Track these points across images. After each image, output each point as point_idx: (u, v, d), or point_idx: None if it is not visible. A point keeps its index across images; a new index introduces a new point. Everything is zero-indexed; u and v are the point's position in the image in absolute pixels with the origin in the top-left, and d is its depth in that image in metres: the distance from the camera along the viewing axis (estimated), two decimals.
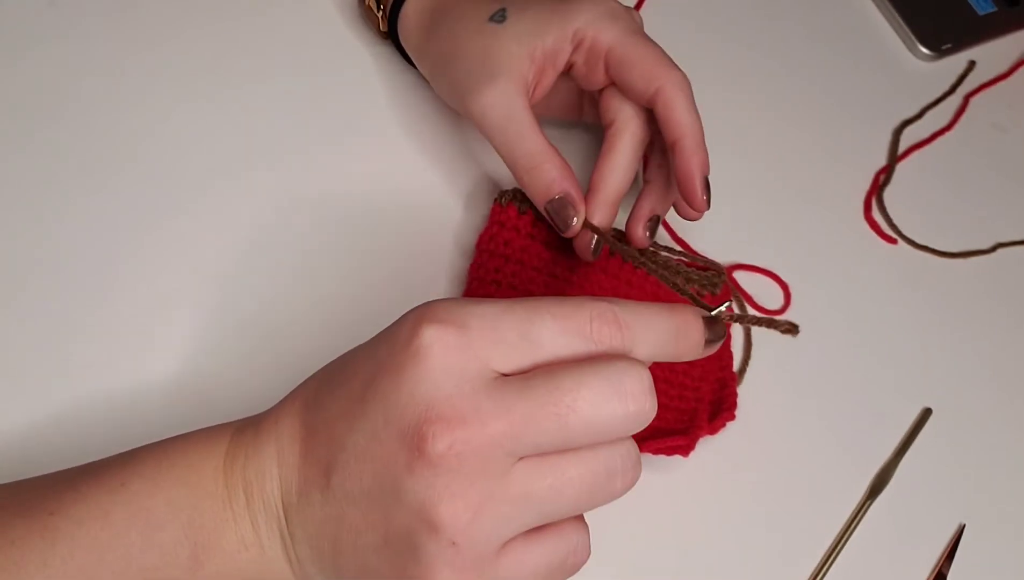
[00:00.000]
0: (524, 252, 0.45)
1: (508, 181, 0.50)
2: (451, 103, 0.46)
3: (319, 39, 0.52)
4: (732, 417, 0.45)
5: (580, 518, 0.32)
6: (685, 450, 0.42)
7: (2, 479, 0.34)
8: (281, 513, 0.32)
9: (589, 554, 0.32)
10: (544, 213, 0.43)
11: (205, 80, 0.49)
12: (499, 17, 0.43)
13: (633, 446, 0.30)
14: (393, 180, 0.49)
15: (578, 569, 0.31)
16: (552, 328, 0.29)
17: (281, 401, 0.33)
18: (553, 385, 0.28)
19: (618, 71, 0.43)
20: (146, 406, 0.41)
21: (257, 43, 0.51)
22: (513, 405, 0.28)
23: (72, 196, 0.45)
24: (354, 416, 0.29)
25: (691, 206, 0.43)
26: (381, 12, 0.49)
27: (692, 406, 0.45)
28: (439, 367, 0.28)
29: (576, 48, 0.43)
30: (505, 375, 0.29)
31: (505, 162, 0.42)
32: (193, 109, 0.48)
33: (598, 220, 0.42)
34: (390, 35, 0.49)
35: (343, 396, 0.30)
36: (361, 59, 0.52)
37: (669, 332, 0.31)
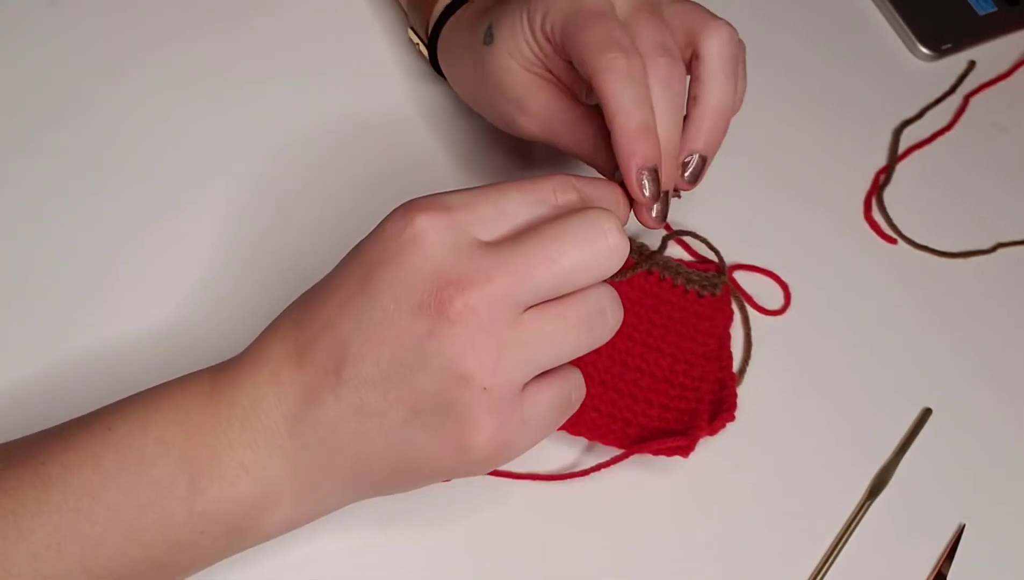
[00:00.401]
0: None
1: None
2: (497, 122, 0.45)
3: (320, 38, 0.52)
4: (732, 418, 0.45)
5: (574, 364, 0.35)
6: (685, 451, 0.42)
7: None
8: (283, 430, 0.33)
9: (584, 393, 0.36)
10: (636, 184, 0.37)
11: (205, 80, 0.49)
12: (488, 38, 0.41)
13: (611, 289, 0.34)
14: (398, 180, 0.49)
15: (577, 406, 0.36)
16: (521, 201, 0.33)
17: (258, 337, 0.35)
18: (540, 238, 0.32)
19: (569, 53, 0.38)
20: None
21: (257, 43, 0.51)
22: (510, 260, 0.31)
23: (72, 196, 0.45)
24: (359, 309, 0.32)
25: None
26: (424, 45, 0.48)
27: (692, 406, 0.45)
28: (437, 244, 0.31)
29: (549, 42, 0.39)
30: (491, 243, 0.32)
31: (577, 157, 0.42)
32: (193, 109, 0.48)
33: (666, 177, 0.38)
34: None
35: (339, 301, 0.32)
36: (363, 58, 0.52)
37: (614, 200, 0.36)
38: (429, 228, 0.31)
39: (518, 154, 0.52)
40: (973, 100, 0.62)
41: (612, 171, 0.40)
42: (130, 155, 0.46)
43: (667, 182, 0.38)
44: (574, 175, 0.35)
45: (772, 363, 0.49)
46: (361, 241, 0.34)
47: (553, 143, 0.42)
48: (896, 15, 0.63)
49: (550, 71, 0.41)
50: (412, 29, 0.49)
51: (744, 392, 0.47)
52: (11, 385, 0.40)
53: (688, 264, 0.48)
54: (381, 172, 0.49)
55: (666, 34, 0.38)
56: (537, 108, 0.41)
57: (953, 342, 0.52)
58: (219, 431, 0.33)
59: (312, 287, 0.35)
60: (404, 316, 0.31)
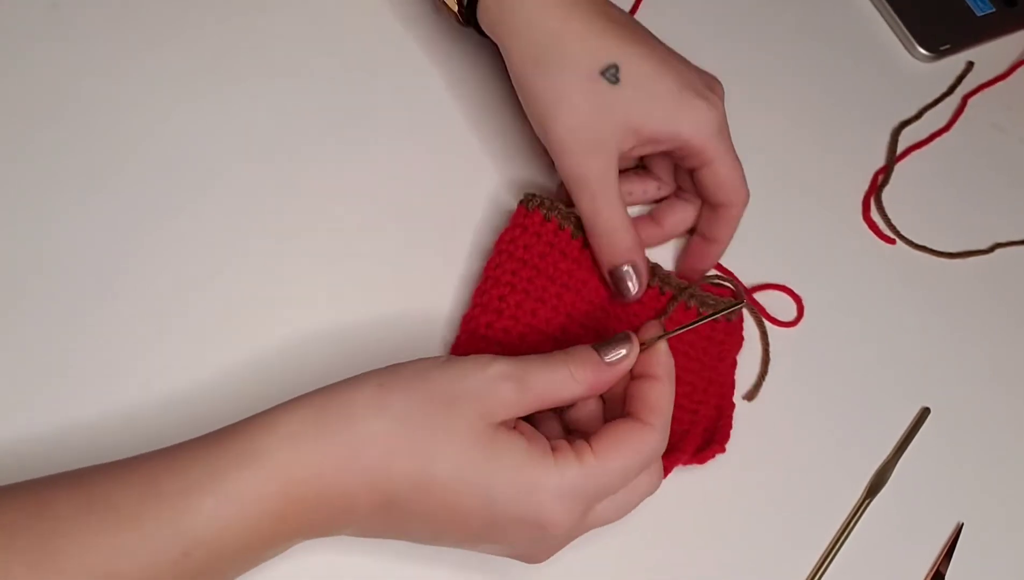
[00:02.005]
0: (542, 258, 0.45)
1: (530, 185, 0.50)
2: (539, 134, 0.45)
3: (320, 38, 0.52)
4: (722, 450, 0.44)
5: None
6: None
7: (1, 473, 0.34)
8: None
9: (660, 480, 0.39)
10: (607, 275, 0.45)
11: (206, 80, 0.49)
12: (611, 76, 0.42)
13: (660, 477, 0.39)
14: (402, 179, 0.49)
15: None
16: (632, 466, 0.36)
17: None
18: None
19: (699, 181, 0.45)
20: (146, 407, 0.41)
21: (258, 42, 0.51)
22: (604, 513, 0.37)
23: (72, 195, 0.45)
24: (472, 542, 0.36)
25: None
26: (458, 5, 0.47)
27: (685, 428, 0.44)
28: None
29: (674, 149, 0.44)
30: None
31: (583, 218, 0.44)
32: (194, 109, 0.48)
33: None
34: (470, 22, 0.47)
35: (454, 533, 0.36)
36: (364, 57, 0.52)
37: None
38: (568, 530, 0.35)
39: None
40: (971, 101, 0.62)
41: (617, 253, 0.44)
42: (130, 155, 0.46)
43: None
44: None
45: (771, 362, 0.49)
46: (499, 493, 0.34)
47: (582, 191, 0.44)
48: (895, 16, 0.63)
49: (644, 146, 0.44)
50: None
51: (742, 391, 0.48)
52: (11, 385, 0.40)
53: (705, 287, 0.47)
54: (390, 170, 0.49)
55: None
56: (601, 161, 0.43)
57: (951, 342, 0.52)
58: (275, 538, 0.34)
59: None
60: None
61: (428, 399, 0.34)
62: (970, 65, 0.63)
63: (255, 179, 0.47)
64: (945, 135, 0.60)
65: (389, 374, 0.35)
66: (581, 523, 0.36)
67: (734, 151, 0.45)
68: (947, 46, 0.63)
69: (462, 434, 0.34)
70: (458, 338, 0.44)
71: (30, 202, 0.44)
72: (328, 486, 0.33)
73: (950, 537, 0.47)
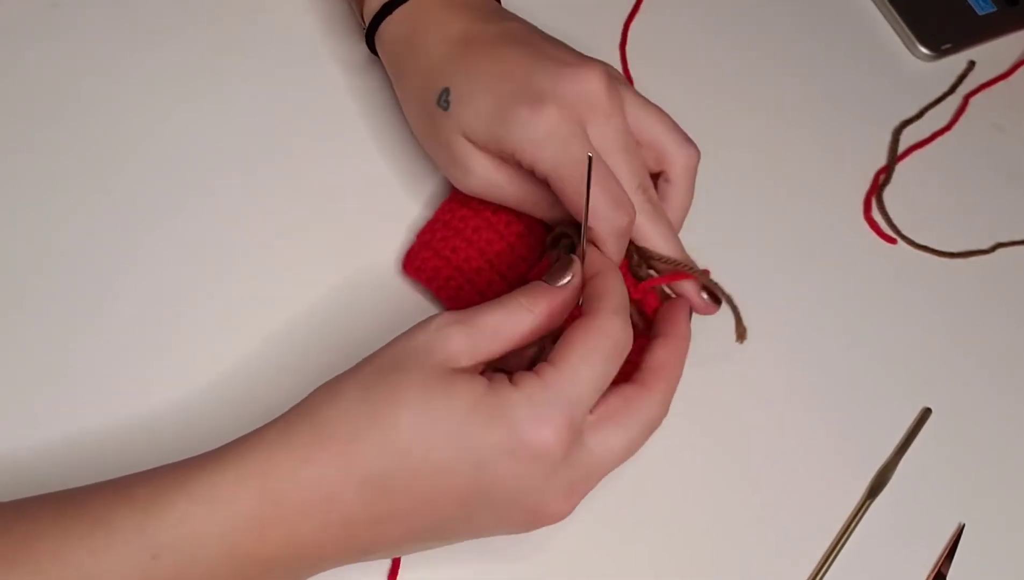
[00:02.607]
0: (476, 233, 0.45)
1: None
2: None
3: (321, 38, 0.52)
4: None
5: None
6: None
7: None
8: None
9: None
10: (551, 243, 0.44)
11: (206, 80, 0.49)
12: (443, 103, 0.41)
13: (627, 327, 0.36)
14: (400, 179, 0.49)
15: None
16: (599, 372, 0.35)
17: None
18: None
19: (557, 194, 0.40)
20: (145, 407, 0.41)
21: (258, 43, 0.51)
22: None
23: (72, 195, 0.45)
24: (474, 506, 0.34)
25: None
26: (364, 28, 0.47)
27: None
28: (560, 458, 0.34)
29: (516, 161, 0.41)
30: None
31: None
32: (194, 109, 0.48)
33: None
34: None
35: (448, 499, 0.34)
36: (364, 57, 0.52)
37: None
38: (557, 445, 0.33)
39: None
40: (973, 100, 0.62)
41: (559, 223, 0.42)
42: (130, 155, 0.46)
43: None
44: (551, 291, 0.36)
45: (771, 362, 0.49)
46: (469, 429, 0.33)
47: (501, 201, 0.43)
48: (896, 15, 0.63)
49: (500, 156, 0.41)
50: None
51: (744, 392, 0.48)
52: (11, 385, 0.40)
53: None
54: (384, 169, 0.49)
55: (642, 173, 0.41)
56: (484, 175, 0.42)
57: (953, 342, 0.52)
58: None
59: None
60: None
61: (378, 369, 0.33)
62: (972, 64, 0.63)
63: (255, 179, 0.47)
64: (946, 134, 0.60)
65: (339, 374, 0.35)
66: (581, 450, 0.34)
67: (575, 165, 0.39)
68: (948, 45, 0.63)
69: (417, 387, 0.32)
70: (411, 249, 0.45)
71: (30, 202, 0.44)
72: (303, 481, 0.32)
73: (952, 538, 0.46)
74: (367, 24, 0.46)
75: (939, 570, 0.45)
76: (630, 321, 0.36)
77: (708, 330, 0.48)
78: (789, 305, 0.51)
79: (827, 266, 0.53)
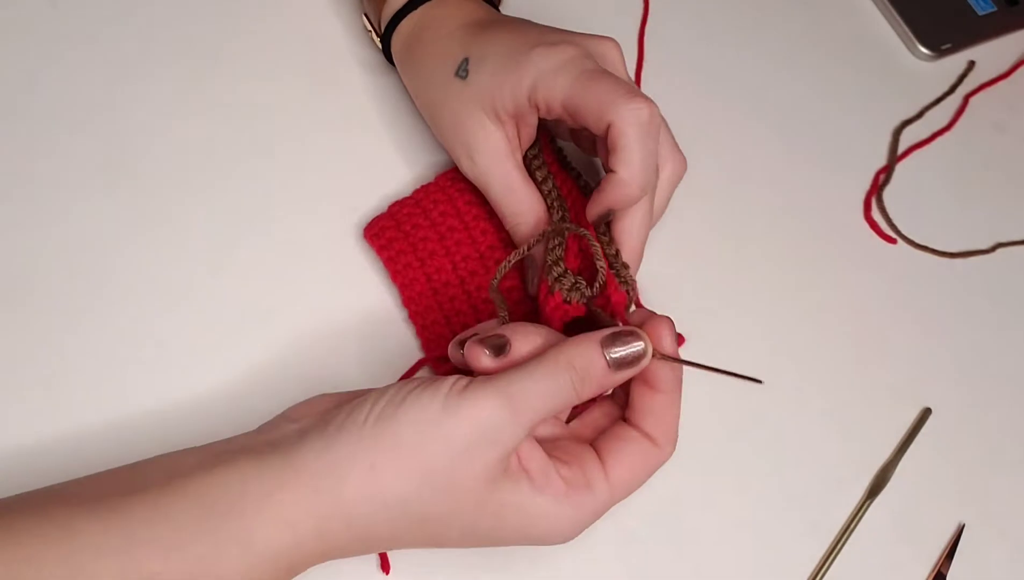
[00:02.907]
0: (442, 217, 0.45)
1: None
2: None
3: (322, 39, 0.52)
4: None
5: None
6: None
7: None
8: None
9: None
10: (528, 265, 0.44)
11: (206, 81, 0.49)
12: (462, 72, 0.42)
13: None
14: (399, 180, 0.49)
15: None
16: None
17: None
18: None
19: (576, 119, 0.40)
20: (145, 409, 0.41)
21: (259, 44, 0.51)
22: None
23: (72, 196, 0.45)
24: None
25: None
26: (379, 37, 0.49)
27: None
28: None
29: (536, 108, 0.41)
30: None
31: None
32: (194, 110, 0.48)
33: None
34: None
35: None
36: (365, 58, 0.52)
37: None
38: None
39: None
40: (973, 100, 0.62)
41: (524, 243, 0.40)
42: (130, 154, 0.46)
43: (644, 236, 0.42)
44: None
45: (771, 362, 0.49)
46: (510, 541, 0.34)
47: (484, 191, 0.44)
48: (896, 15, 0.63)
49: (511, 122, 0.42)
50: (366, 16, 0.50)
51: (744, 391, 0.47)
52: (10, 385, 0.40)
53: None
54: (387, 170, 0.49)
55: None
56: (484, 161, 0.43)
57: (953, 342, 0.52)
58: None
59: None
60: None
61: (425, 481, 0.32)
62: (972, 64, 0.63)
63: (255, 177, 0.47)
64: (947, 134, 0.60)
65: (379, 447, 0.32)
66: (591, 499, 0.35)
67: (601, 74, 0.39)
68: (948, 45, 0.63)
69: (467, 506, 0.33)
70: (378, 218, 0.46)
71: (29, 203, 0.44)
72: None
73: (952, 538, 0.46)
74: (383, 28, 0.47)
75: (939, 570, 0.45)
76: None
77: (709, 329, 0.48)
78: (789, 305, 0.51)
79: (827, 266, 0.53)
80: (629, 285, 0.39)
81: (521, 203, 0.43)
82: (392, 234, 0.45)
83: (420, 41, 0.45)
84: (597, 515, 0.35)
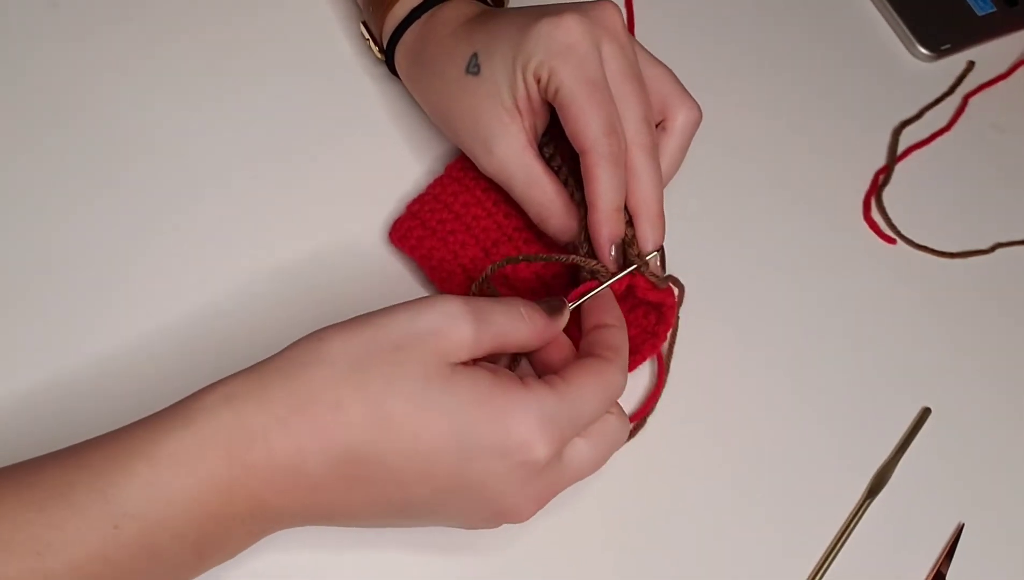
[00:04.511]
0: (465, 208, 0.46)
1: None
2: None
3: (321, 40, 0.52)
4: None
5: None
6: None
7: None
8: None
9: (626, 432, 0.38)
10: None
11: (207, 81, 0.49)
12: (473, 68, 0.43)
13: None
14: (396, 180, 0.49)
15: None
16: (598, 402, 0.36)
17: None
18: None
19: (561, 114, 0.41)
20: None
21: (260, 44, 0.51)
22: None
23: (73, 196, 0.45)
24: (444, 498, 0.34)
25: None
26: (378, 48, 0.49)
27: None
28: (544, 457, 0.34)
29: (540, 85, 0.41)
30: None
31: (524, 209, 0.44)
32: (195, 110, 0.48)
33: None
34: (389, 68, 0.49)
35: (423, 485, 0.33)
36: (362, 59, 0.52)
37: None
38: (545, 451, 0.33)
39: None
40: (972, 100, 0.62)
41: (557, 236, 0.43)
42: (131, 154, 0.46)
43: (657, 240, 0.42)
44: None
45: (771, 362, 0.49)
46: (466, 423, 0.33)
47: (507, 188, 0.44)
48: (895, 15, 0.63)
49: (527, 111, 0.42)
50: (364, 25, 0.50)
51: (744, 391, 0.48)
52: (18, 388, 0.40)
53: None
54: (385, 172, 0.49)
55: (648, 107, 0.42)
56: (503, 154, 0.43)
57: (952, 342, 0.52)
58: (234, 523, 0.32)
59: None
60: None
61: (375, 341, 0.32)
62: (971, 65, 0.63)
63: (253, 177, 0.47)
64: (946, 135, 0.60)
65: (329, 327, 0.33)
66: (559, 464, 0.35)
67: (594, 88, 0.40)
68: (948, 46, 0.63)
69: (417, 372, 0.32)
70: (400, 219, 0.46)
71: (31, 203, 0.44)
72: (276, 445, 0.31)
73: (951, 538, 0.47)
74: (386, 40, 0.47)
75: (939, 570, 0.45)
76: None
77: (708, 329, 0.48)
78: (789, 305, 0.51)
79: (827, 266, 0.53)
80: (641, 264, 0.42)
81: (545, 193, 0.43)
82: (420, 233, 0.45)
83: (426, 47, 0.45)
84: (560, 414, 0.34)
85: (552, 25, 0.40)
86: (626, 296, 0.42)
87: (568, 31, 0.40)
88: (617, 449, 0.37)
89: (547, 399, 0.33)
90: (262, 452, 0.31)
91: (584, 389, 0.35)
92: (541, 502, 0.35)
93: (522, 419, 0.33)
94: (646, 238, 0.42)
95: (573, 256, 0.42)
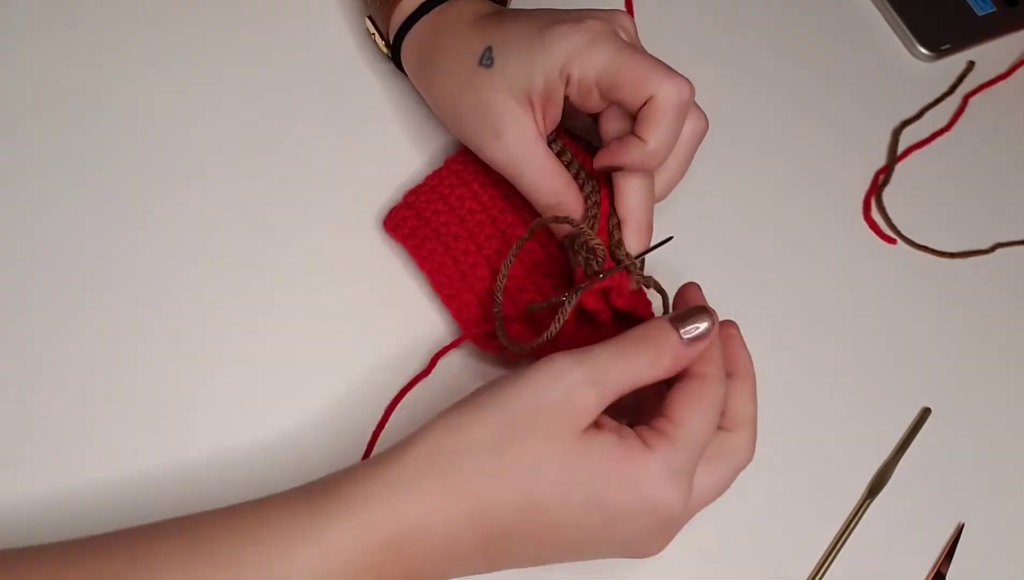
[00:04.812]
0: (460, 201, 0.46)
1: None
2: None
3: (316, 32, 0.52)
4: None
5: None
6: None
7: None
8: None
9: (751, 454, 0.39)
10: (563, 245, 0.44)
11: (199, 74, 0.49)
12: (487, 60, 0.43)
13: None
14: (396, 171, 0.49)
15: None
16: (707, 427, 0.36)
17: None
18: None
19: (610, 95, 0.41)
20: (137, 404, 0.41)
21: (251, 35, 0.51)
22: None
23: (61, 188, 0.44)
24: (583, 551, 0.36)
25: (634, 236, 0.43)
26: (384, 42, 0.49)
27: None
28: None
29: (567, 84, 0.42)
30: None
31: (530, 201, 0.44)
32: (192, 101, 0.48)
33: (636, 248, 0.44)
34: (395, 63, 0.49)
35: (565, 548, 0.36)
36: (360, 54, 0.52)
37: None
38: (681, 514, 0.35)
39: None
40: (972, 100, 0.62)
41: (559, 230, 0.43)
42: (125, 150, 0.46)
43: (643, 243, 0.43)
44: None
45: (770, 362, 0.49)
46: (607, 496, 0.34)
47: (514, 177, 0.44)
48: (895, 15, 0.63)
49: (539, 106, 0.43)
50: (370, 19, 0.50)
51: None
52: (15, 388, 0.40)
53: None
54: (381, 165, 0.49)
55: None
56: (516, 143, 0.43)
57: (953, 342, 0.52)
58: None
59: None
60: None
61: (510, 423, 0.33)
62: (971, 65, 0.63)
63: (249, 172, 0.47)
64: (946, 135, 0.60)
65: (458, 413, 0.34)
66: (689, 502, 0.36)
67: (635, 51, 0.41)
68: (948, 45, 0.63)
69: (555, 450, 0.33)
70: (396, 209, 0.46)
71: (20, 196, 0.44)
72: (430, 533, 0.33)
73: (951, 538, 0.47)
74: (392, 33, 0.47)
75: (939, 570, 0.45)
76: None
77: None
78: (789, 305, 0.51)
79: (827, 266, 0.53)
80: (629, 263, 0.42)
81: (557, 183, 0.43)
82: (414, 223, 0.46)
83: (435, 41, 0.45)
84: (685, 461, 0.35)
85: (573, 28, 0.41)
86: (601, 311, 0.42)
87: (590, 29, 0.41)
88: (741, 470, 0.38)
89: (669, 454, 0.34)
90: (418, 539, 0.33)
91: (693, 425, 0.35)
92: (673, 536, 0.37)
93: (654, 482, 0.34)
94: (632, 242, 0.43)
95: (589, 281, 0.41)
